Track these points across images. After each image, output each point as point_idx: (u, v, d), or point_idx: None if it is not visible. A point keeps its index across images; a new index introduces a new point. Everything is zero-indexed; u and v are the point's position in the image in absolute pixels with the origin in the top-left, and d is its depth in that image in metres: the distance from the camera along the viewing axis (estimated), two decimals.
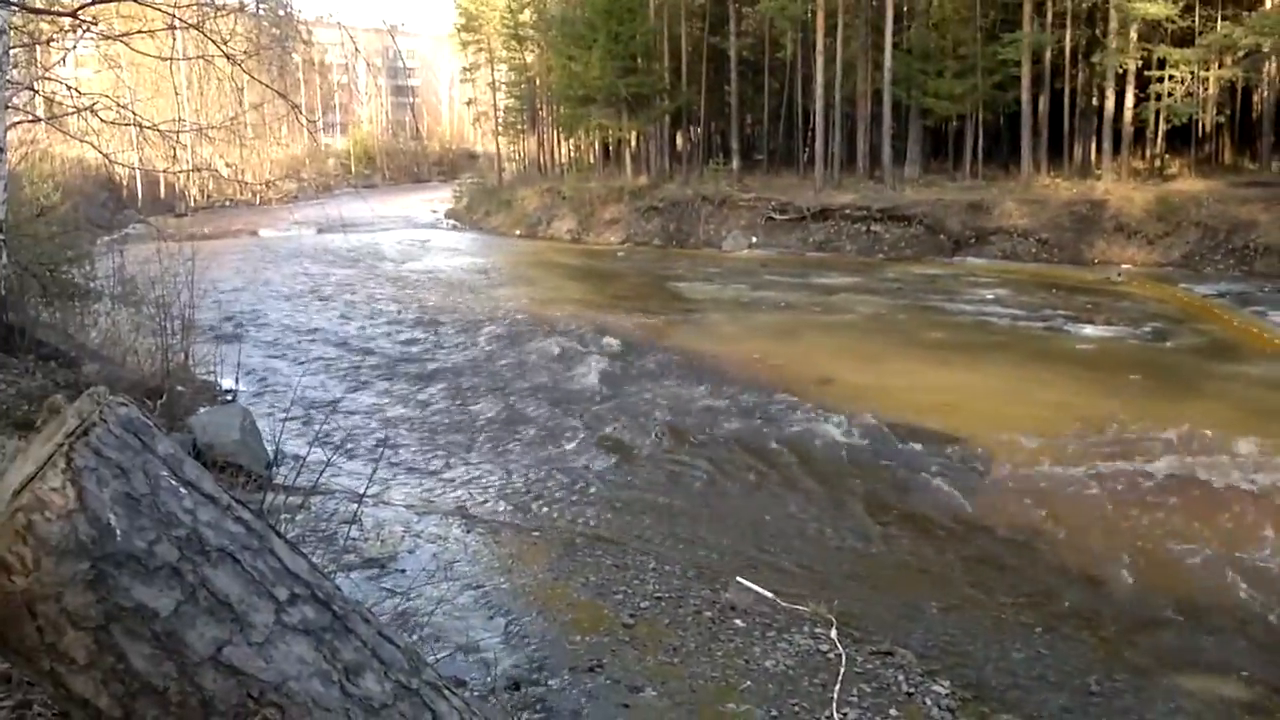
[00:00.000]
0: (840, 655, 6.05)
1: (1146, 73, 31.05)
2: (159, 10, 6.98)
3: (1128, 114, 31.56)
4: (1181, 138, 33.70)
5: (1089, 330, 19.59)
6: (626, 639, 6.17)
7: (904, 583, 8.46)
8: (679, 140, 46.24)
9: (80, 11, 6.92)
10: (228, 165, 41.73)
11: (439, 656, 5.35)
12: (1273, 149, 32.47)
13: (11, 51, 10.03)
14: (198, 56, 8.87)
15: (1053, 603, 8.01)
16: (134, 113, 8.20)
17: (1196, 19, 31.40)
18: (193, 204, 50.17)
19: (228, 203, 52.78)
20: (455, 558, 7.59)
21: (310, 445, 9.72)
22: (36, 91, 9.90)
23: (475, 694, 4.97)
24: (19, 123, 9.91)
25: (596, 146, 48.45)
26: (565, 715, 5.10)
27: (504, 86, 56.19)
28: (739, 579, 7.47)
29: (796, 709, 5.37)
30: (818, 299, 24.13)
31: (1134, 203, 29.18)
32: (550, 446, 12.35)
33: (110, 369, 11.07)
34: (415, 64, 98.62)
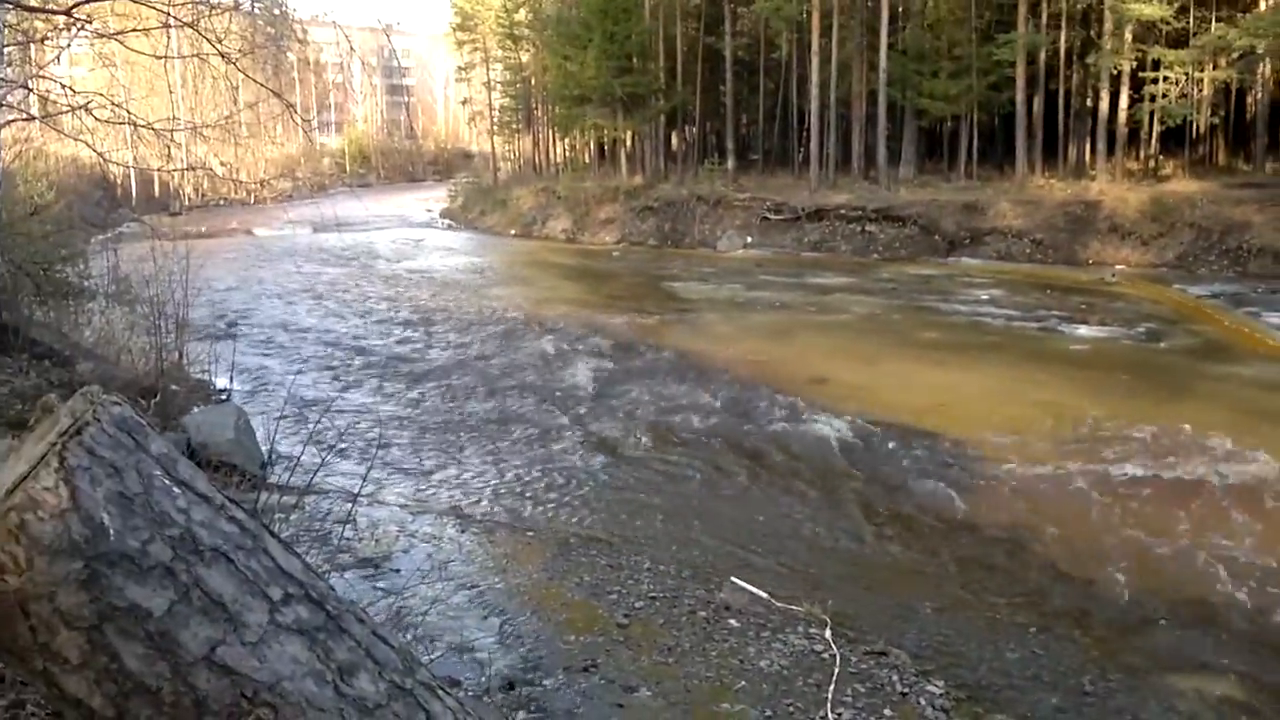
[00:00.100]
0: (834, 655, 6.06)
1: (1141, 74, 31.12)
2: (153, 8, 6.96)
3: (1122, 115, 31.63)
4: (1176, 139, 33.78)
5: (1083, 331, 19.63)
6: (621, 639, 6.18)
7: (898, 583, 8.47)
8: (674, 140, 46.24)
9: (75, 9, 6.90)
10: (222, 164, 41.54)
11: (433, 656, 5.35)
12: (1266, 150, 32.57)
13: (5, 49, 10.01)
14: (192, 55, 8.84)
15: (1046, 603, 8.03)
16: (129, 111, 8.17)
17: (1191, 20, 31.49)
18: (187, 203, 50.04)
19: (222, 202, 52.66)
20: (449, 557, 7.59)
21: (304, 445, 9.69)
22: (31, 90, 9.87)
23: (470, 694, 4.97)
24: (13, 121, 9.88)
25: (592, 146, 48.43)
26: (560, 715, 5.10)
27: (499, 86, 56.16)
28: (733, 579, 7.48)
29: (791, 709, 5.38)
30: (812, 299, 24.15)
31: (1128, 204, 29.23)
32: (545, 446, 12.35)
33: (104, 368, 11.06)
34: (410, 63, 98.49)
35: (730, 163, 40.48)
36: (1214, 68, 31.15)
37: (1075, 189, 31.43)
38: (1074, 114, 35.35)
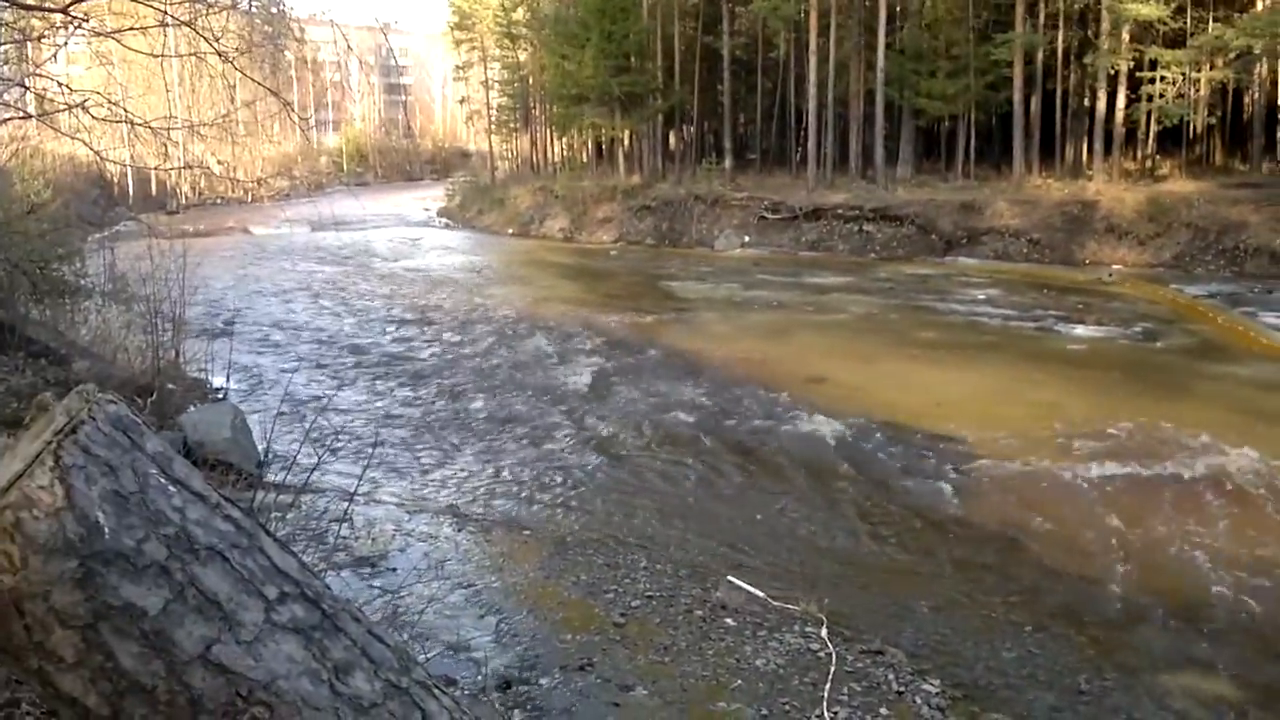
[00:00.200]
0: (831, 654, 6.06)
1: (1138, 74, 31.13)
2: (151, 7, 6.95)
3: (1119, 115, 31.64)
4: (1173, 139, 33.80)
5: (1080, 330, 19.65)
6: (617, 638, 6.19)
7: (894, 582, 8.48)
8: (672, 139, 46.23)
9: (71, 8, 6.89)
10: (220, 163, 41.62)
11: (429, 655, 5.36)
12: (1263, 150, 32.61)
13: (2, 47, 10.00)
14: (190, 54, 8.84)
15: (1042, 602, 8.04)
16: (125, 110, 8.16)
17: (1188, 20, 31.52)
18: (184, 201, 50.05)
19: (219, 200, 52.64)
20: (446, 556, 7.59)
21: (301, 443, 9.69)
22: (27, 88, 9.85)
23: (466, 693, 4.97)
24: (10, 119, 9.86)
25: (589, 145, 48.41)
26: (556, 714, 5.10)
27: (497, 85, 56.09)
28: (730, 578, 7.49)
29: (787, 707, 5.38)
30: (810, 298, 24.15)
31: (1125, 203, 29.26)
32: (541, 445, 12.35)
33: (100, 366, 11.05)
34: (408, 62, 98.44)
35: (728, 162, 40.47)
36: (1211, 68, 31.18)
37: (1072, 189, 31.44)
38: (1071, 114, 35.37)
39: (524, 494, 10.54)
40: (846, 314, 22.15)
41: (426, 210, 52.94)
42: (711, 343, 18.69)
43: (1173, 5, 29.93)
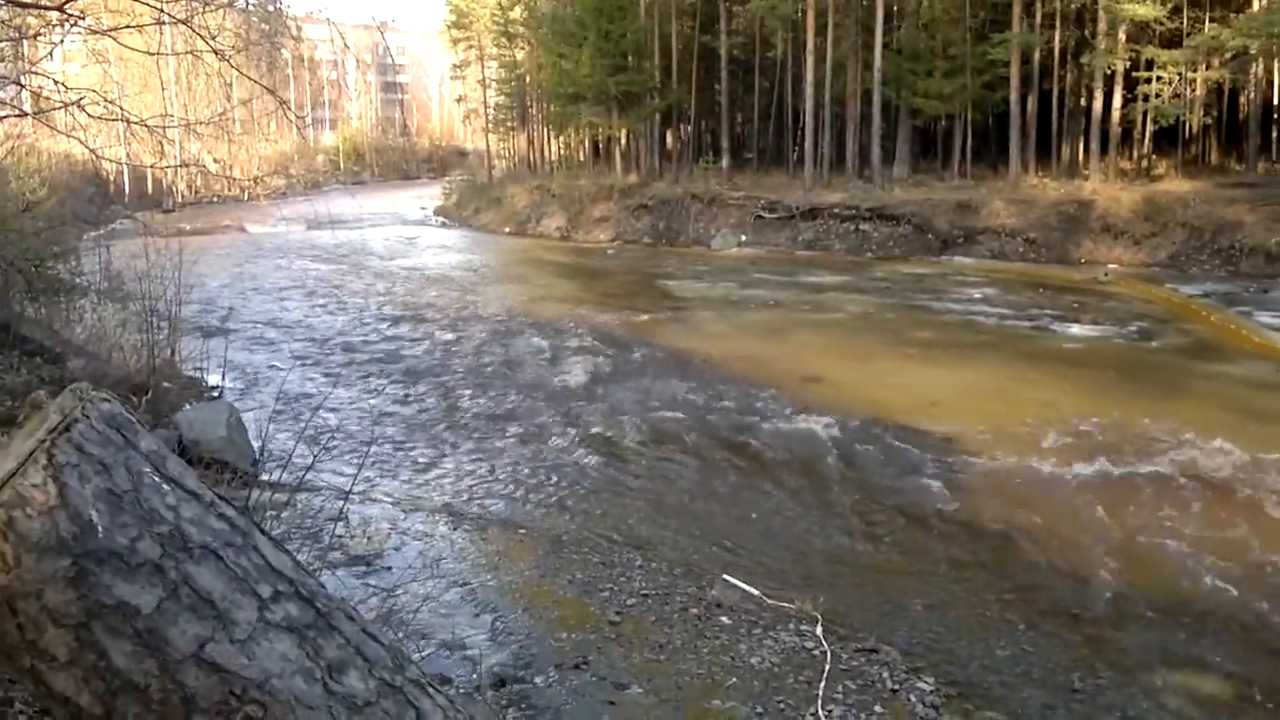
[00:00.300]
0: (825, 652, 6.08)
1: (1134, 74, 31.19)
2: (147, 5, 6.94)
3: (1115, 115, 31.69)
4: (1169, 139, 33.85)
5: (1075, 330, 19.68)
6: (612, 636, 6.19)
7: (889, 580, 8.49)
8: (669, 138, 46.24)
9: (67, 5, 6.88)
10: (216, 161, 41.45)
11: (424, 654, 5.36)
12: (1259, 150, 32.69)
13: None
14: (186, 52, 8.83)
15: (1037, 600, 8.05)
16: (122, 108, 8.14)
17: (1184, 20, 31.57)
18: (180, 200, 49.99)
19: (216, 199, 52.61)
20: (442, 555, 7.60)
21: (296, 442, 9.69)
22: (23, 86, 9.82)
23: (461, 691, 4.98)
24: (5, 117, 9.85)
25: (586, 144, 48.40)
26: (550, 712, 5.11)
27: (494, 84, 56.08)
28: (725, 576, 7.50)
29: (782, 706, 5.39)
30: (806, 297, 24.17)
31: (1121, 203, 29.30)
32: (537, 444, 12.35)
33: (96, 365, 11.04)
34: (405, 61, 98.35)
35: (725, 161, 40.49)
36: (1207, 68, 31.23)
37: (1068, 188, 31.49)
38: (1067, 113, 35.42)
39: (519, 492, 10.55)
40: (843, 313, 22.17)
41: (423, 209, 52.92)
42: (708, 341, 18.69)
43: (1169, 5, 29.97)
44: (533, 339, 18.82)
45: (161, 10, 7.11)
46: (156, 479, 1.48)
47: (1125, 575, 8.47)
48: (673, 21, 42.10)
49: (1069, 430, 12.42)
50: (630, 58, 41.19)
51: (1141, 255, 27.99)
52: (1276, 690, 6.75)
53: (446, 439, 12.58)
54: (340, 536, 7.41)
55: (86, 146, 9.09)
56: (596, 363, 16.71)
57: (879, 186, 34.86)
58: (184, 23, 7.25)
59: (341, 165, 74.36)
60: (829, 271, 28.65)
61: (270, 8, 55.33)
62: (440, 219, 49.29)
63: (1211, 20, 31.62)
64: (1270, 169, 32.49)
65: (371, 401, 14.45)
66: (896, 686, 5.88)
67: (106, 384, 7.56)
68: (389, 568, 7.09)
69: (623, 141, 44.74)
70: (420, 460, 11.65)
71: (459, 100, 68.94)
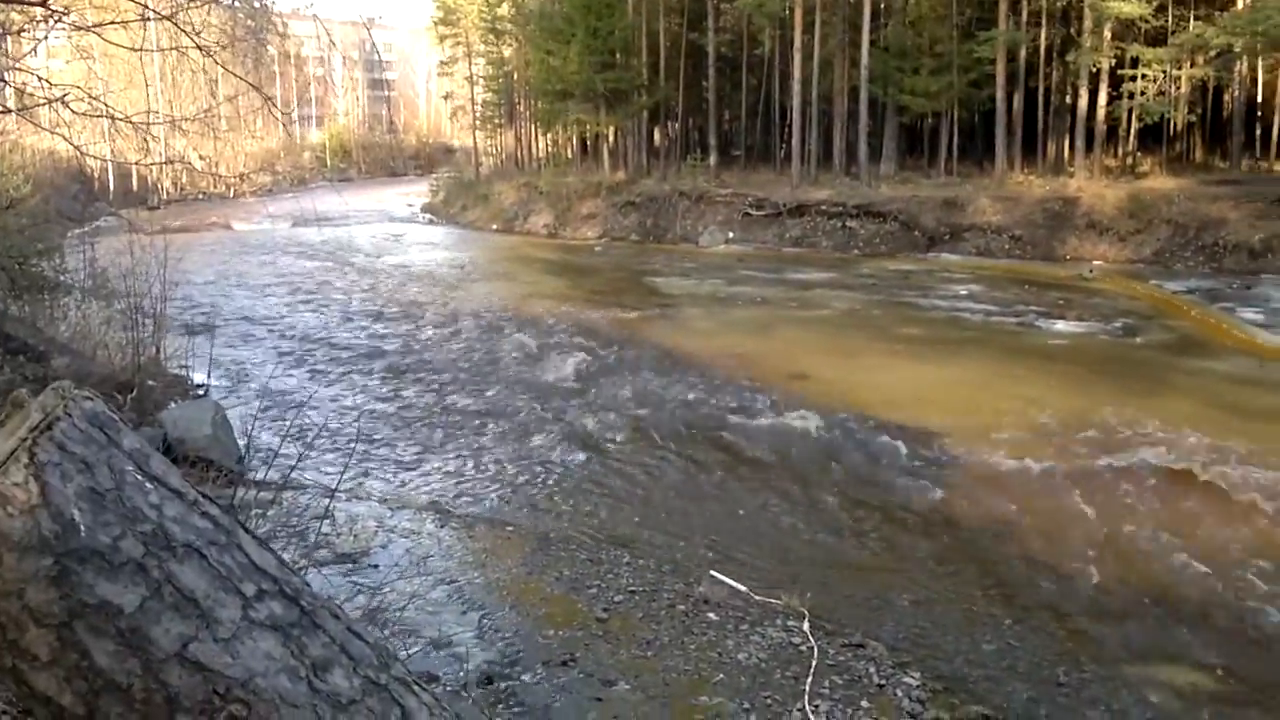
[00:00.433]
0: (812, 648, 6.10)
1: (1119, 71, 31.33)
2: (131, 0, 6.90)
3: (1101, 112, 31.84)
4: (1153, 136, 34.02)
5: (1061, 326, 19.77)
6: (600, 633, 6.20)
7: (876, 575, 8.52)
8: (657, 136, 46.22)
9: (51, 1, 6.83)
10: (201, 158, 41.35)
11: (412, 651, 5.36)
12: (1243, 148, 32.90)
13: None
14: (171, 48, 8.78)
15: (1022, 595, 8.10)
16: (106, 104, 8.10)
17: (1169, 18, 31.74)
18: (165, 197, 49.70)
19: (201, 196, 52.33)
20: (429, 553, 7.59)
21: (283, 440, 9.66)
22: (7, 82, 9.75)
23: (448, 689, 4.98)
24: None
25: (574, 141, 48.35)
26: (538, 709, 5.11)
27: (482, 81, 55.95)
28: (712, 573, 7.51)
29: (769, 701, 5.41)
30: (793, 294, 24.21)
31: (1106, 200, 29.45)
32: (525, 441, 12.34)
33: (80, 363, 10.98)
34: (392, 57, 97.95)
35: (712, 158, 40.50)
36: (1191, 66, 31.41)
37: (1054, 185, 31.61)
38: (1053, 111, 35.57)
39: (506, 490, 10.54)
40: (829, 310, 22.21)
41: (410, 206, 52.78)
42: (695, 339, 18.70)
43: (1154, 3, 30.11)
44: (519, 336, 18.79)
45: (146, 6, 7.07)
46: (139, 477, 1.48)
47: (1109, 569, 8.53)
48: (660, 19, 42.08)
49: (1054, 426, 12.49)
50: (618, 55, 41.16)
51: (1126, 252, 28.14)
52: (1256, 680, 6.81)
53: (434, 436, 12.56)
54: (326, 534, 7.40)
55: (71, 143, 9.03)
56: (583, 360, 16.70)
57: (866, 184, 34.93)
58: (169, 19, 7.21)
59: (328, 162, 74.06)
60: (816, 268, 28.70)
61: (256, 4, 54.99)
62: (427, 216, 49.17)
63: (1196, 18, 31.80)
64: (1254, 166, 32.71)
65: (358, 399, 14.42)
66: (883, 681, 5.91)
67: (91, 382, 7.53)
68: (376, 565, 7.07)
69: (610, 139, 44.70)
70: (407, 458, 11.63)
71: (446, 97, 68.76)
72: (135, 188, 48.30)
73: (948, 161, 35.72)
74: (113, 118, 7.93)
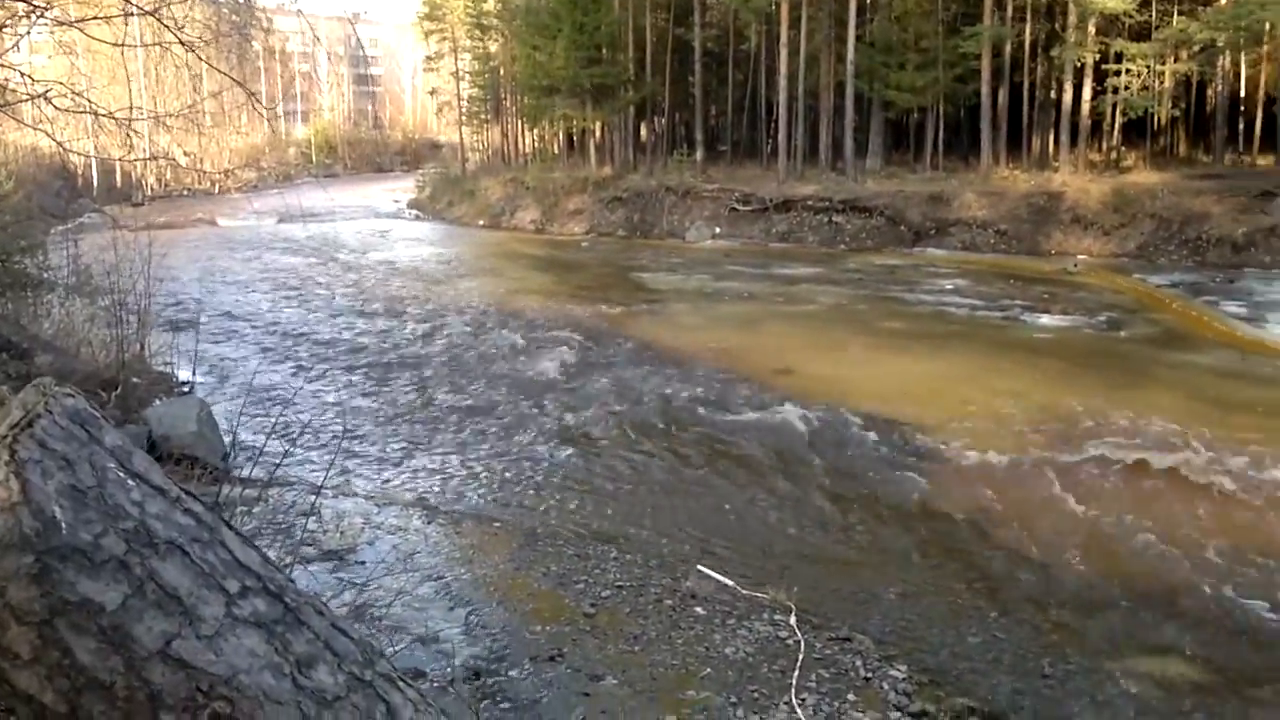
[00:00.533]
0: (799, 641, 6.12)
1: (1104, 66, 31.49)
2: None
3: (1085, 107, 31.99)
4: (1137, 131, 34.22)
5: (1045, 320, 19.86)
6: (587, 628, 6.21)
7: (862, 569, 8.56)
8: (643, 131, 46.19)
9: None
10: (186, 154, 41.07)
11: (398, 648, 5.35)
12: (1226, 142, 33.11)
13: None
14: (154, 43, 8.72)
15: (1007, 587, 8.15)
16: (89, 100, 8.05)
17: (1153, 14, 31.90)
18: (150, 193, 49.37)
19: (186, 192, 51.98)
20: (415, 549, 7.57)
21: (268, 437, 9.63)
22: None
23: (434, 684, 4.98)
24: None
25: (561, 137, 48.25)
26: (526, 704, 5.12)
27: (468, 76, 55.76)
28: (700, 567, 7.53)
29: (756, 695, 5.43)
30: (779, 289, 24.24)
31: (1090, 194, 29.58)
32: (511, 437, 12.34)
33: (64, 360, 10.92)
34: (378, 53, 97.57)
35: (699, 154, 40.52)
36: (1175, 60, 31.59)
37: (1039, 180, 31.76)
38: (1038, 106, 35.72)
39: (493, 486, 10.53)
40: (816, 305, 22.26)
41: (396, 202, 52.57)
42: (682, 334, 18.72)
43: None
44: (506, 332, 18.77)
45: (129, 1, 7.02)
46: (121, 474, 1.48)
47: (1093, 561, 8.59)
48: (647, 14, 42.04)
49: (1038, 419, 12.55)
50: (604, 50, 41.11)
51: (1110, 246, 28.28)
52: (1238, 671, 6.87)
53: (419, 432, 12.54)
54: (312, 531, 7.38)
55: (54, 139, 8.97)
56: (570, 356, 16.69)
57: (852, 179, 35.01)
58: (151, 14, 7.16)
59: (313, 158, 73.73)
60: (802, 263, 28.75)
61: None
62: (414, 212, 48.99)
63: (1180, 13, 31.96)
64: (1237, 160, 32.91)
65: (344, 395, 14.38)
66: (869, 674, 5.93)
67: (75, 380, 7.49)
68: (362, 562, 7.06)
69: (597, 134, 44.65)
70: (393, 454, 11.61)
71: (432, 93, 68.49)
72: (119, 184, 47.97)
73: (933, 156, 35.83)
74: (96, 113, 7.87)
